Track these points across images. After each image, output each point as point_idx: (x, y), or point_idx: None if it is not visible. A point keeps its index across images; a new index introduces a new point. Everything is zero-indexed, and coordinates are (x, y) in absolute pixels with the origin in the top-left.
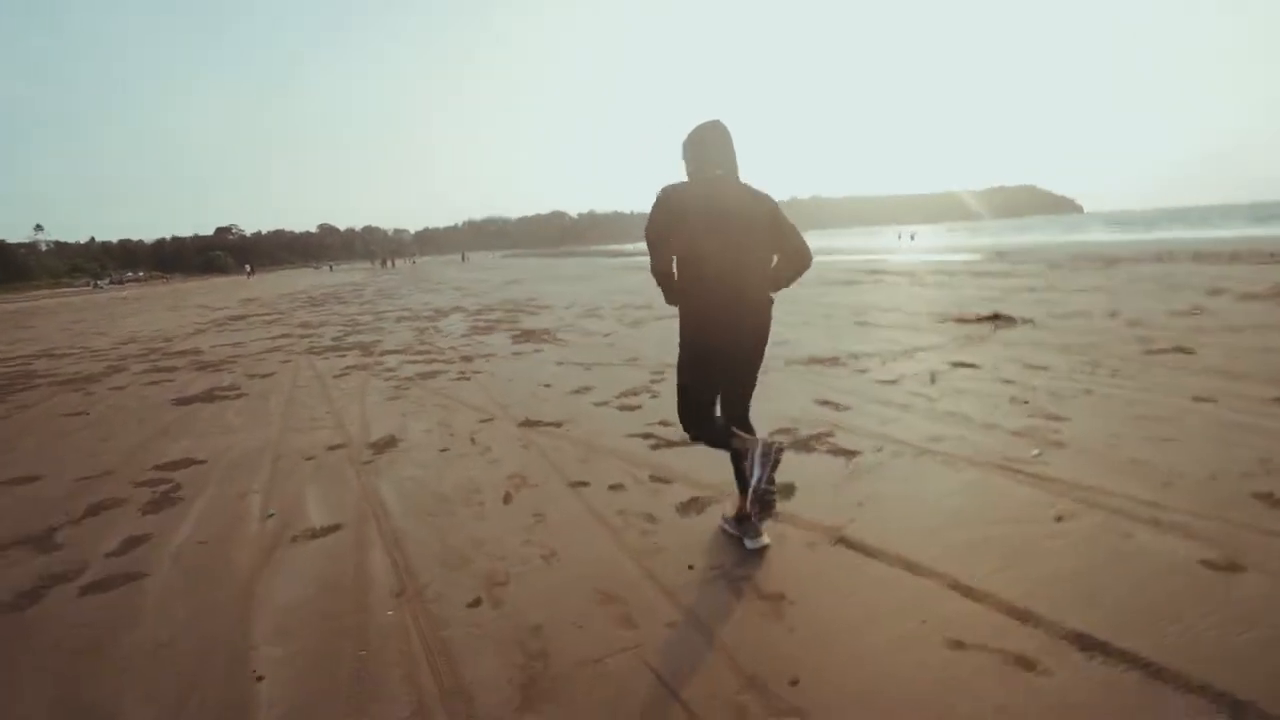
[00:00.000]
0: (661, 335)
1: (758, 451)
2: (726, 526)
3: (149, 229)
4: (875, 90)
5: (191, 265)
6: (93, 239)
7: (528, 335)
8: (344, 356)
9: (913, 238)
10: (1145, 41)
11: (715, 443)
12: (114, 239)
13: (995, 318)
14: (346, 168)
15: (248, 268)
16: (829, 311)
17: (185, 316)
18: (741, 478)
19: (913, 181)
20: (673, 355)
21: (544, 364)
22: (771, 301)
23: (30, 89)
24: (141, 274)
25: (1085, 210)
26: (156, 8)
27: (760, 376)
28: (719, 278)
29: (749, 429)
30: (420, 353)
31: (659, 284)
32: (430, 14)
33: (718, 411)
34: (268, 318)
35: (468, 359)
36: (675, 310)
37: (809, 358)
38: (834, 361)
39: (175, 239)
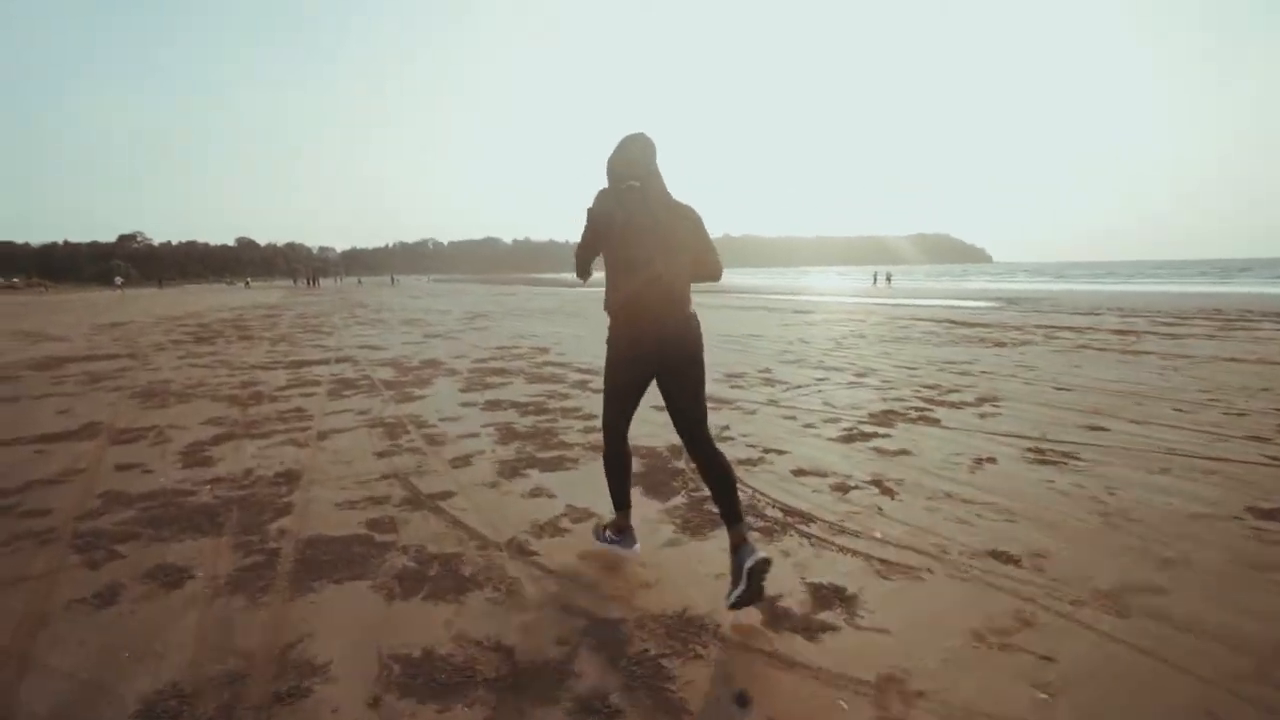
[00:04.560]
0: (1023, 487)
1: (749, 562)
2: (602, 539)
3: (39, 231)
4: (804, 134)
5: (86, 275)
6: None
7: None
8: (179, 583)
9: (889, 279)
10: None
11: (619, 470)
12: None
13: None
14: (270, 180)
15: (118, 280)
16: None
17: None
18: (621, 494)
19: (837, 224)
20: None
21: None
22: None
23: None
24: (16, 280)
25: (994, 260)
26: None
27: None
28: (649, 282)
29: (714, 449)
30: (452, 580)
31: (578, 263)
32: (365, 30)
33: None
34: (102, 367)
35: None
36: None
37: None
38: None
39: (68, 244)
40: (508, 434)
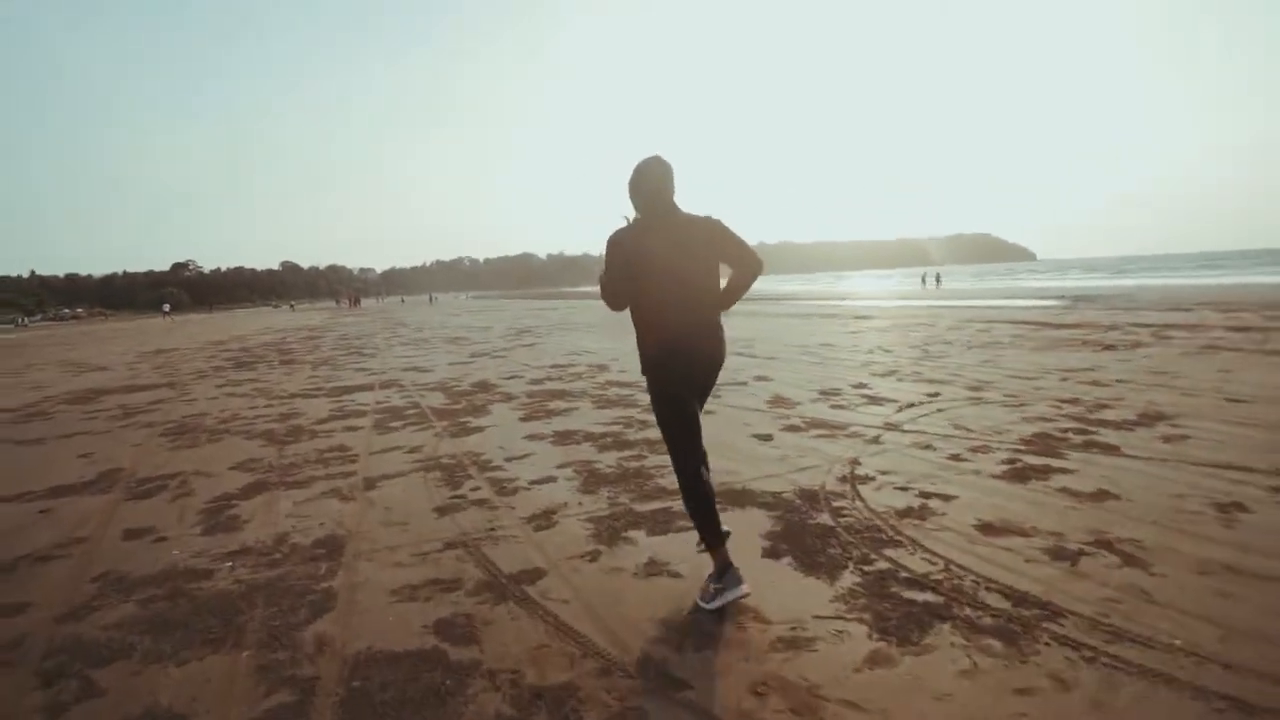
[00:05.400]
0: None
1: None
2: (706, 602)
3: (101, 263)
4: (839, 139)
5: (141, 302)
6: (33, 272)
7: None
8: None
9: (939, 281)
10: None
11: (706, 503)
12: (60, 273)
13: None
14: (312, 206)
15: (165, 307)
16: None
17: None
18: (715, 531)
19: (873, 228)
20: None
21: None
22: (721, 326)
23: None
24: (81, 311)
25: (1039, 257)
26: (125, 32)
27: None
28: (675, 311)
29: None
30: None
31: (610, 299)
32: (399, 54)
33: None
34: (137, 399)
35: None
36: None
37: None
38: None
39: (127, 274)
40: (591, 477)
